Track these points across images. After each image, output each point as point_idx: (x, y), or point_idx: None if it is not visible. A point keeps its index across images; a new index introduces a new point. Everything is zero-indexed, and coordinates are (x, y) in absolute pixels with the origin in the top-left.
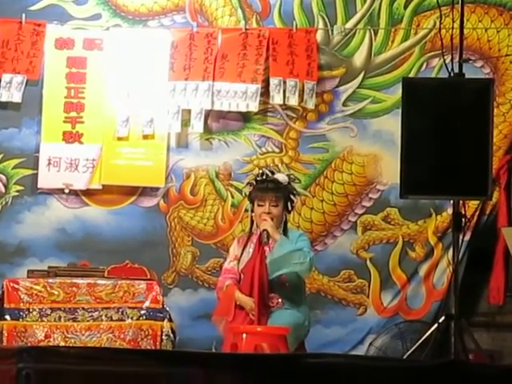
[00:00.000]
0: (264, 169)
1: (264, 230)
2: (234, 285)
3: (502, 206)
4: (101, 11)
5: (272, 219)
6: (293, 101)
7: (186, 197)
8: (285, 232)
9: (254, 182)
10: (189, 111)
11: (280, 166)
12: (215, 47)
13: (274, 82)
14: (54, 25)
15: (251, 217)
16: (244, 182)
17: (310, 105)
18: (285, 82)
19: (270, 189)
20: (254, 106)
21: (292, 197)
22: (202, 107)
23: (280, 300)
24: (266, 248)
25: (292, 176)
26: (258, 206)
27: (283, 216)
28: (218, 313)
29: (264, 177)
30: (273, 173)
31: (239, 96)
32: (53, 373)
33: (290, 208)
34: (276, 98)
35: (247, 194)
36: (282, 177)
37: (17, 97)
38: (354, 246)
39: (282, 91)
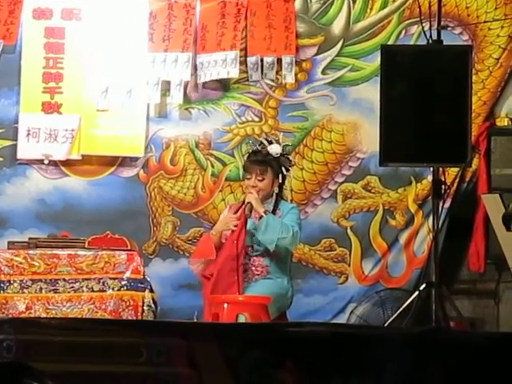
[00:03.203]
0: (262, 138)
1: (248, 202)
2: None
3: (482, 173)
4: None
5: (258, 192)
6: (270, 76)
7: (166, 167)
8: (276, 204)
9: (248, 153)
10: (168, 82)
11: (263, 134)
12: (194, 18)
13: (251, 60)
14: None
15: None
16: (224, 151)
17: (290, 79)
18: (262, 60)
19: (257, 161)
20: (234, 73)
21: (283, 169)
22: (182, 78)
23: (265, 269)
24: (249, 220)
25: (287, 147)
26: (246, 178)
27: (271, 189)
28: (195, 255)
29: (259, 147)
30: (271, 142)
31: (219, 64)
32: (34, 344)
33: (281, 180)
34: (254, 76)
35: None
36: (274, 148)
37: None
38: (335, 214)
39: (259, 69)
